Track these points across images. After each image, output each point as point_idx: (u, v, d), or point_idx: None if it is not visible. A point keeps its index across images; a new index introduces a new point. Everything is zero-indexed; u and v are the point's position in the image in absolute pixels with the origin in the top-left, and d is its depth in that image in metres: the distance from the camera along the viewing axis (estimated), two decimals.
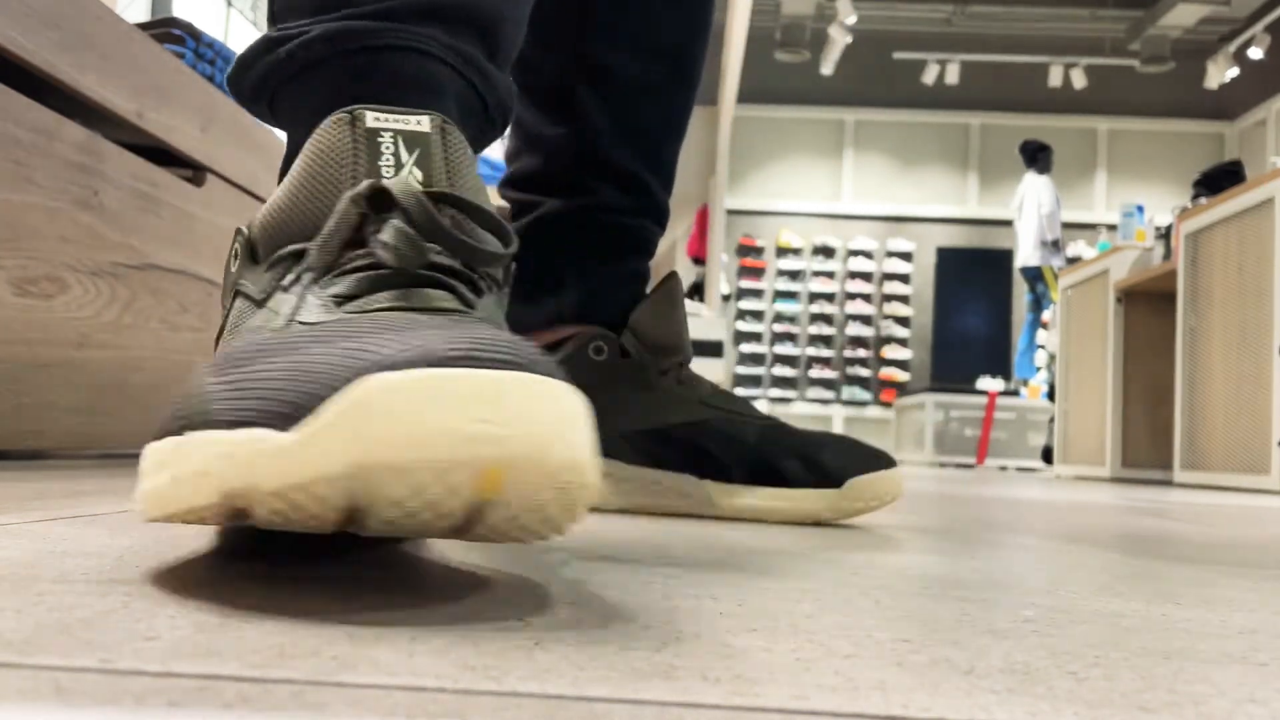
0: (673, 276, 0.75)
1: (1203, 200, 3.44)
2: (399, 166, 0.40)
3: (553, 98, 0.75)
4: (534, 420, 0.25)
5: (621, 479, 0.72)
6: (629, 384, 0.71)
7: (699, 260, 8.38)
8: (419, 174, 0.40)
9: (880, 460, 0.72)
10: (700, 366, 3.59)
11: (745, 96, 6.88)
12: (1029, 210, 6.25)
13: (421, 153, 0.40)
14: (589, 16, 0.74)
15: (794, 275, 8.67)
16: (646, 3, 0.76)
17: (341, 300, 0.35)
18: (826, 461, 0.71)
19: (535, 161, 0.75)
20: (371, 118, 0.41)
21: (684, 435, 0.71)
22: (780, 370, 8.62)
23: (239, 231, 0.41)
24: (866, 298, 8.65)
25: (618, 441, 0.71)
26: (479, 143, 0.51)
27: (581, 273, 0.74)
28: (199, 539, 0.42)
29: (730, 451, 0.71)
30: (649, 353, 0.72)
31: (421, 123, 0.41)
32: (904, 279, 8.66)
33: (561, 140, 0.75)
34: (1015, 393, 6.98)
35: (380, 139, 0.40)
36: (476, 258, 0.38)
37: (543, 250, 0.74)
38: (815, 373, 8.61)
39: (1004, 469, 5.72)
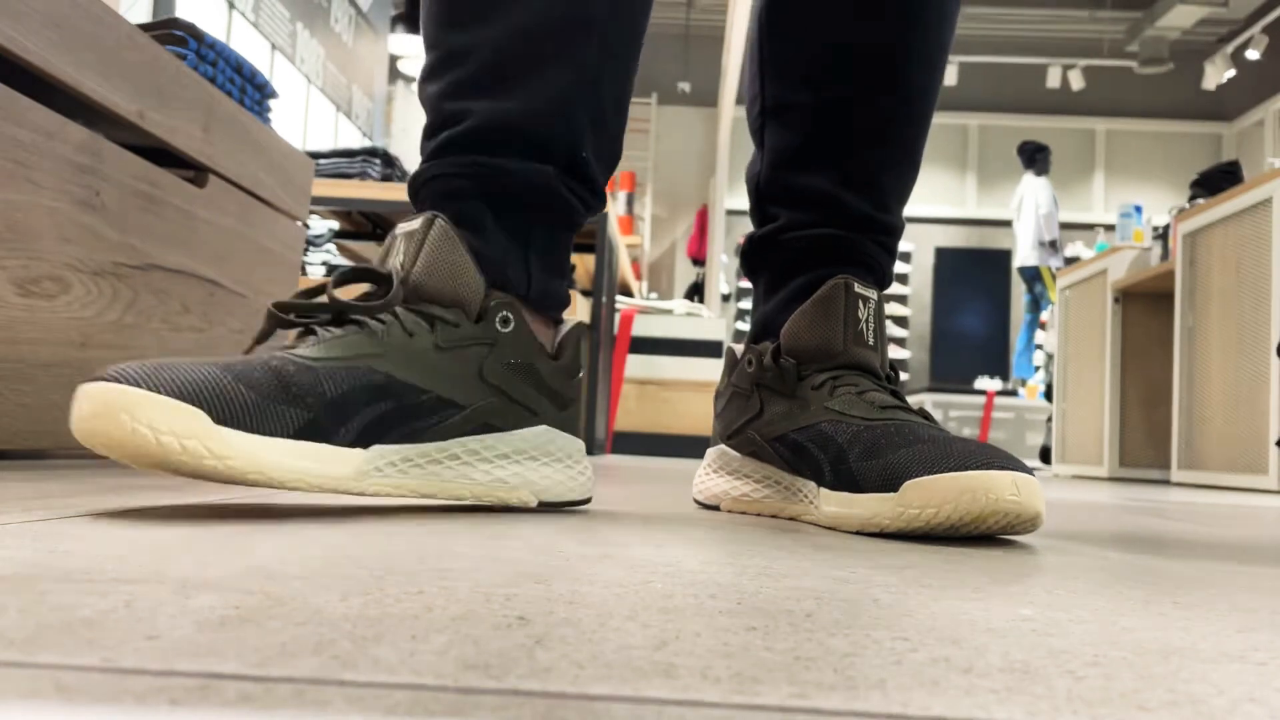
0: (831, 285, 0.73)
1: (1200, 201, 3.44)
2: (397, 255, 0.64)
3: (757, 136, 0.84)
4: None
5: (761, 480, 0.76)
6: (771, 391, 0.74)
7: (698, 260, 8.38)
8: (401, 259, 0.63)
9: (965, 459, 0.57)
10: (699, 366, 3.59)
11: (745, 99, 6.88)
12: (1027, 211, 6.25)
13: (406, 245, 0.64)
14: (764, 57, 0.82)
15: None
16: (817, 29, 0.79)
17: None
18: (894, 461, 0.60)
19: (750, 191, 0.86)
20: (400, 226, 0.65)
21: (798, 440, 0.71)
22: None
23: None
24: None
25: (765, 446, 0.74)
26: (544, 213, 0.70)
27: (766, 293, 0.82)
28: (199, 539, 0.42)
29: (825, 454, 0.68)
30: (796, 360, 0.73)
31: (417, 223, 0.64)
32: (902, 279, 8.66)
33: (756, 171, 0.83)
34: (1013, 392, 6.98)
35: (395, 238, 0.65)
36: (353, 310, 0.60)
37: (750, 273, 0.84)
38: None
39: None
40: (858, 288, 0.73)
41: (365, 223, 2.99)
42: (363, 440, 0.56)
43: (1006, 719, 0.21)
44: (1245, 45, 7.32)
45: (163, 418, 0.46)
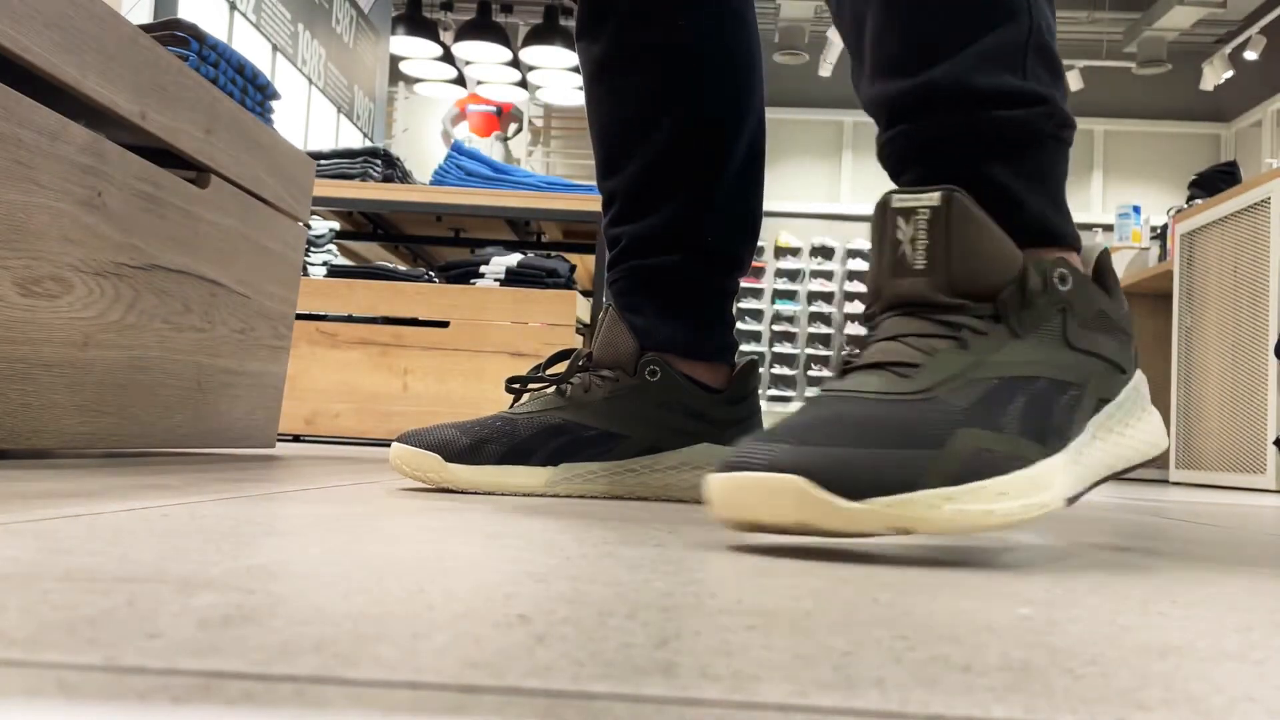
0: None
1: (1198, 201, 3.44)
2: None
3: None
4: None
5: None
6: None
7: None
8: (590, 339, 0.93)
9: (731, 456, 0.49)
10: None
11: None
12: None
13: (594, 330, 0.92)
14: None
15: (793, 276, 8.67)
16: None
17: None
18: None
19: None
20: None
21: None
22: (779, 370, 8.63)
23: None
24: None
25: None
26: (683, 287, 0.93)
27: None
28: (201, 538, 0.42)
29: None
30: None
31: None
32: None
33: None
34: None
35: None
36: (553, 380, 0.90)
37: None
38: (814, 372, 8.61)
39: None
40: (896, 201, 0.57)
41: (366, 223, 2.99)
42: (553, 460, 0.84)
43: (1005, 717, 0.21)
44: (1243, 46, 7.32)
45: (414, 459, 0.80)
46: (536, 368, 0.91)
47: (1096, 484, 0.57)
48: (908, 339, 0.53)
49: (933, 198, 0.55)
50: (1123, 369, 0.59)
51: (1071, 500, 0.54)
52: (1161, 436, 0.62)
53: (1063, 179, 0.64)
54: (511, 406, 0.89)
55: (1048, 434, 0.52)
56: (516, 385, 0.90)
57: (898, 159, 0.64)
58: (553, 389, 0.89)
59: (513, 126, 8.30)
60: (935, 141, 0.62)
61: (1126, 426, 0.59)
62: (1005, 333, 0.54)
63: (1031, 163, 0.62)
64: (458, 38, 6.34)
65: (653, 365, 0.88)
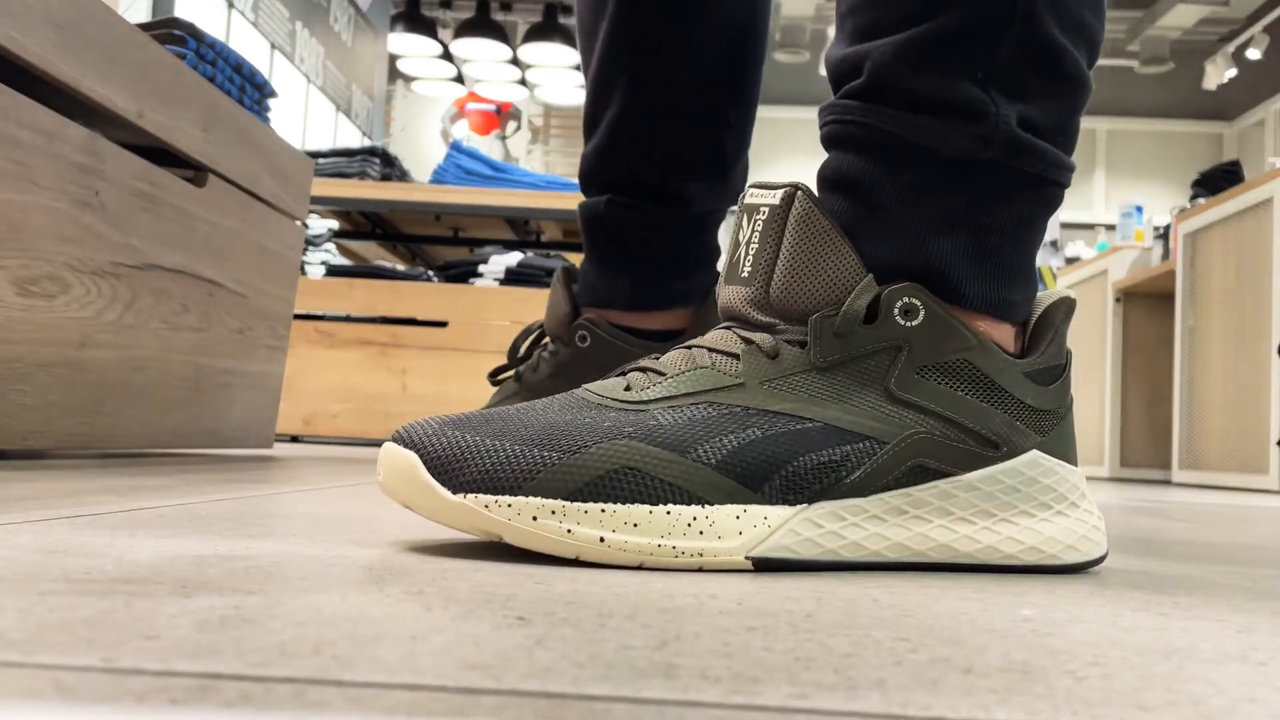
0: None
1: (1201, 200, 3.44)
2: None
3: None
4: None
5: None
6: None
7: None
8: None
9: None
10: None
11: None
12: None
13: None
14: None
15: None
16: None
17: None
18: None
19: None
20: None
21: None
22: None
23: None
24: None
25: None
26: (616, 232, 0.80)
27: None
28: (198, 539, 0.42)
29: None
30: None
31: None
32: None
33: None
34: None
35: None
36: (515, 365, 0.86)
37: None
38: None
39: None
40: (748, 195, 0.49)
41: (365, 222, 2.99)
42: None
43: (1006, 719, 0.21)
44: (1246, 45, 7.32)
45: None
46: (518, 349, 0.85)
47: (879, 564, 0.44)
48: (697, 349, 0.46)
49: (774, 196, 0.47)
50: (994, 443, 0.45)
51: (772, 565, 0.42)
52: (1066, 549, 0.46)
53: (1016, 231, 0.48)
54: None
55: (770, 479, 0.42)
56: (496, 377, 0.85)
57: (823, 139, 0.51)
58: (513, 375, 0.82)
59: (512, 125, 8.29)
60: (848, 128, 0.49)
61: (984, 515, 0.45)
62: (802, 361, 0.44)
63: (939, 188, 0.47)
64: (456, 36, 6.34)
65: (581, 330, 0.78)
